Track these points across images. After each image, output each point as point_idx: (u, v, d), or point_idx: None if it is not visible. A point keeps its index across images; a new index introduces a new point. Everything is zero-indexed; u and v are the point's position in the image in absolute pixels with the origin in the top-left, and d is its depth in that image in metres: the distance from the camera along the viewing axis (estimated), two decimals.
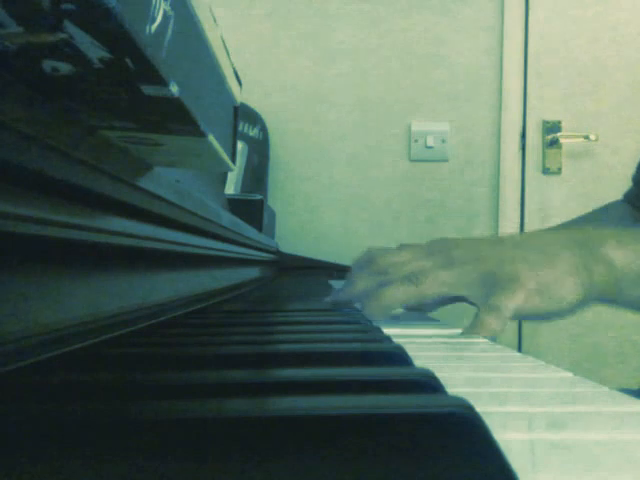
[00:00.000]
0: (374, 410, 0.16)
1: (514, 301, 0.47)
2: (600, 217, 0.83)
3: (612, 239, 0.51)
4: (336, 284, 1.14)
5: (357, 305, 0.56)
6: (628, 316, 1.83)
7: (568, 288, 0.48)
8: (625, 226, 0.55)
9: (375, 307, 0.50)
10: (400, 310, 0.59)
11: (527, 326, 1.91)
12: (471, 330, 0.47)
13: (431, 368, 0.23)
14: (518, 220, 1.92)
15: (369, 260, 0.56)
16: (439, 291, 0.50)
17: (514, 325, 1.91)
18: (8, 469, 0.14)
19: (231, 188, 1.56)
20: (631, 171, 0.89)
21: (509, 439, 0.18)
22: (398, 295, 0.50)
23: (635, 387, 0.85)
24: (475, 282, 0.49)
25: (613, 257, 0.50)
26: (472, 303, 0.51)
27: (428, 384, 0.21)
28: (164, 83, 0.22)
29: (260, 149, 1.82)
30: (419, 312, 0.59)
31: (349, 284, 0.56)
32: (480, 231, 1.91)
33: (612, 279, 0.49)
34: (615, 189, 0.94)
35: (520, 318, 0.49)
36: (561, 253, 0.49)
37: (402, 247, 0.56)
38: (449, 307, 0.59)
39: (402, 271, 0.51)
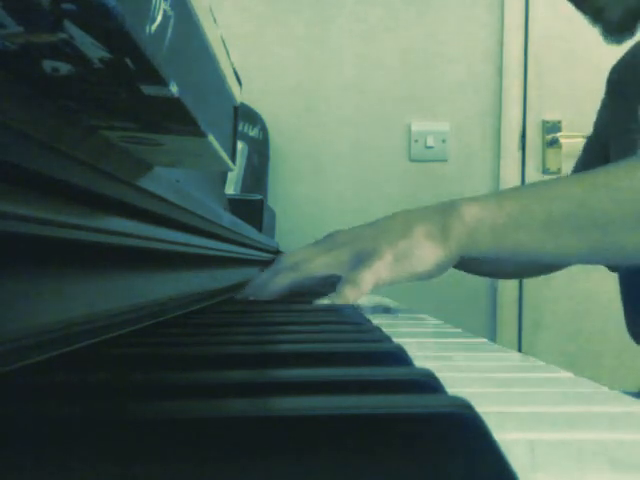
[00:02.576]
0: (374, 410, 0.16)
1: (372, 272, 0.54)
2: None
3: (468, 200, 0.57)
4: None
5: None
6: None
7: (425, 252, 0.55)
8: None
9: (260, 294, 0.59)
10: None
11: (527, 326, 1.91)
12: (330, 300, 0.54)
13: (431, 368, 0.23)
14: None
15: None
16: (314, 272, 0.57)
17: (514, 325, 1.91)
18: (8, 469, 0.14)
19: (231, 188, 1.56)
20: None
21: (509, 439, 0.18)
22: (280, 281, 0.58)
23: (635, 390, 0.85)
24: (345, 261, 0.57)
25: (465, 214, 0.55)
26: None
27: (428, 384, 0.21)
28: (164, 83, 0.22)
29: (260, 149, 1.82)
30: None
31: (252, 278, 0.65)
32: None
33: (466, 233, 0.55)
34: None
35: (386, 284, 0.56)
36: (416, 224, 0.56)
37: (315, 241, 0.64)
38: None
39: (289, 261, 0.60)
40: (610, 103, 0.95)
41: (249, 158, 1.74)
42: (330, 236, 0.61)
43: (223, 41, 0.33)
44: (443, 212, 0.56)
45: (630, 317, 0.98)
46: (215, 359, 0.28)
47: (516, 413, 0.22)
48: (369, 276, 0.54)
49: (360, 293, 0.54)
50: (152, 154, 0.32)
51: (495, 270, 0.94)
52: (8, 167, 0.21)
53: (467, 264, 0.73)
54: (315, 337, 0.35)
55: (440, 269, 0.56)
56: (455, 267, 0.63)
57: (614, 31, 0.78)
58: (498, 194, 0.60)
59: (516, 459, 0.15)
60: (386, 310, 0.67)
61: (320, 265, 0.57)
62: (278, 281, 0.58)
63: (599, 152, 0.94)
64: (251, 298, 0.61)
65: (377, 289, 0.56)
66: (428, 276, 0.56)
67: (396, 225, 0.57)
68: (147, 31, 0.19)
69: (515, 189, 0.61)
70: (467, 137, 1.94)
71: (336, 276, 0.57)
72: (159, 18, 0.20)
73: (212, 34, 0.29)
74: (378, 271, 0.54)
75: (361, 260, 0.55)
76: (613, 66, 1.00)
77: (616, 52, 1.90)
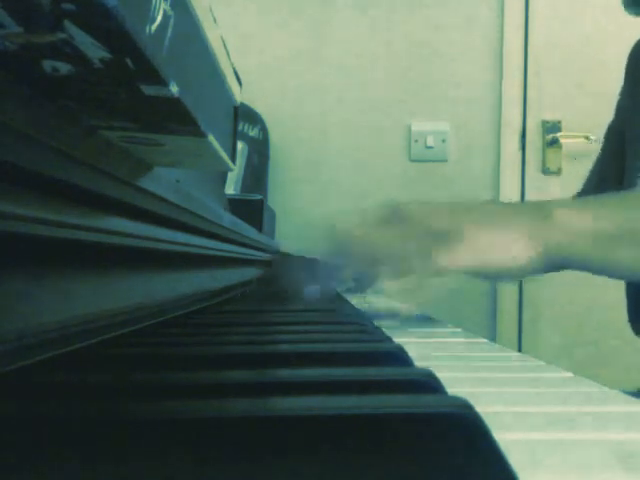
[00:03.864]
0: (374, 410, 0.16)
1: (456, 255, 0.49)
2: None
3: (563, 203, 0.53)
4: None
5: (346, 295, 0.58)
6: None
7: (516, 247, 0.49)
8: None
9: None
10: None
11: (527, 326, 1.91)
12: (396, 287, 0.50)
13: (431, 368, 0.23)
14: None
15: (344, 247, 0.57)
16: (425, 280, 0.51)
17: (514, 325, 1.91)
18: (8, 469, 0.14)
19: (231, 188, 1.56)
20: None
21: (509, 439, 0.18)
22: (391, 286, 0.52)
23: (635, 390, 0.85)
24: (426, 244, 0.50)
25: (563, 219, 0.50)
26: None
27: (428, 384, 0.21)
28: (164, 83, 0.22)
29: (260, 149, 1.82)
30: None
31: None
32: None
33: (562, 239, 0.50)
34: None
35: (467, 273, 0.50)
36: (511, 217, 0.51)
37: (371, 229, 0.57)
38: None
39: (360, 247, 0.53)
40: (628, 89, 0.93)
41: (249, 158, 1.74)
42: (395, 211, 0.54)
43: (223, 41, 0.33)
44: (536, 213, 0.51)
45: (632, 311, 0.96)
46: (215, 359, 0.28)
47: (516, 413, 0.22)
48: (454, 259, 0.48)
49: (431, 276, 0.49)
50: (152, 154, 0.32)
51: None
52: (8, 167, 0.21)
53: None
54: (315, 337, 0.35)
55: (529, 270, 0.51)
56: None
57: (636, 1, 0.77)
58: (591, 200, 0.55)
59: (516, 459, 0.15)
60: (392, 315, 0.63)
61: (422, 281, 0.50)
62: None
63: (621, 139, 0.91)
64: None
65: (453, 276, 0.50)
66: (517, 272, 0.50)
67: (488, 214, 0.51)
68: (147, 31, 0.19)
69: (605, 199, 0.55)
70: (467, 137, 1.94)
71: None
72: (159, 18, 0.20)
73: (212, 34, 0.29)
74: (461, 255, 0.49)
75: (443, 242, 0.49)
76: (630, 52, 0.98)
77: (616, 52, 1.90)
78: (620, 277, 0.56)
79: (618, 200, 0.55)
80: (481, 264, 0.49)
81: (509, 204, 0.54)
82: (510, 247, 0.49)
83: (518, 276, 0.52)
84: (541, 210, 0.51)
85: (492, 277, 0.51)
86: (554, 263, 0.52)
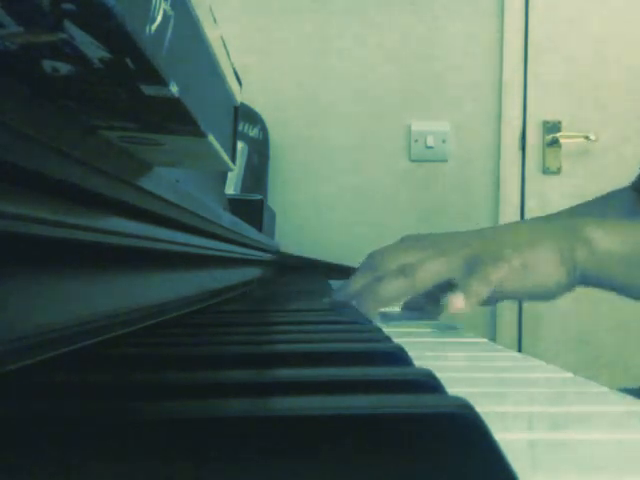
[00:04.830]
0: (374, 410, 0.16)
1: (494, 277, 0.48)
2: (600, 205, 0.82)
3: (596, 224, 0.52)
4: (336, 284, 1.14)
5: (354, 303, 0.57)
6: (628, 316, 1.82)
7: (552, 268, 0.49)
8: (624, 215, 0.56)
9: (369, 302, 0.51)
10: (397, 309, 0.59)
11: (527, 326, 1.91)
12: (448, 305, 0.49)
13: (431, 368, 0.23)
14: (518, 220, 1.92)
15: (367, 260, 0.57)
16: (430, 281, 0.51)
17: (514, 325, 1.91)
18: (8, 469, 0.14)
19: (231, 188, 1.56)
20: (632, 171, 0.88)
21: (509, 439, 0.18)
22: (391, 288, 0.51)
23: (635, 386, 0.85)
24: (461, 265, 0.50)
25: (595, 239, 0.50)
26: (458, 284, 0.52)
27: (428, 384, 0.21)
28: (164, 83, 0.22)
29: (260, 149, 1.82)
30: (420, 313, 0.59)
31: (346, 284, 0.57)
32: None
33: (594, 261, 0.50)
34: (615, 189, 0.94)
35: (504, 296, 0.50)
36: (545, 237, 0.51)
37: (402, 240, 0.58)
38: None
39: (393, 265, 0.52)
40: None
41: (249, 158, 1.74)
42: (430, 239, 0.55)
43: (223, 41, 0.33)
44: (567, 231, 0.51)
45: None
46: (215, 359, 0.28)
47: (516, 413, 0.22)
48: (491, 281, 0.48)
49: (474, 303, 0.48)
50: (152, 154, 0.32)
51: None
52: (8, 167, 0.21)
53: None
54: (315, 337, 0.35)
55: (559, 291, 0.51)
56: None
57: None
58: (626, 223, 0.55)
59: (516, 459, 0.15)
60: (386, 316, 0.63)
61: (432, 272, 0.51)
62: (385, 288, 0.51)
63: None
64: (357, 306, 0.54)
65: (490, 303, 0.50)
66: (547, 295, 0.51)
67: (522, 234, 0.52)
68: (147, 31, 0.19)
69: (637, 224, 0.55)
70: (467, 137, 1.94)
71: (451, 282, 0.51)
72: (159, 18, 0.20)
73: (212, 34, 0.29)
74: (496, 280, 0.48)
75: (479, 264, 0.49)
76: None
77: (617, 52, 1.89)
78: None
79: None
80: (518, 288, 0.49)
81: (540, 224, 0.54)
82: (545, 267, 0.49)
83: (551, 297, 0.52)
84: (574, 231, 0.51)
85: (524, 298, 0.51)
86: (582, 283, 0.52)
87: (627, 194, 0.86)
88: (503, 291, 0.49)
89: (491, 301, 0.51)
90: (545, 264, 0.49)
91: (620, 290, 0.54)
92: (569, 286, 0.51)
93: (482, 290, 0.48)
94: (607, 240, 0.51)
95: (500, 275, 0.48)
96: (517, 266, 0.49)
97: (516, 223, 0.56)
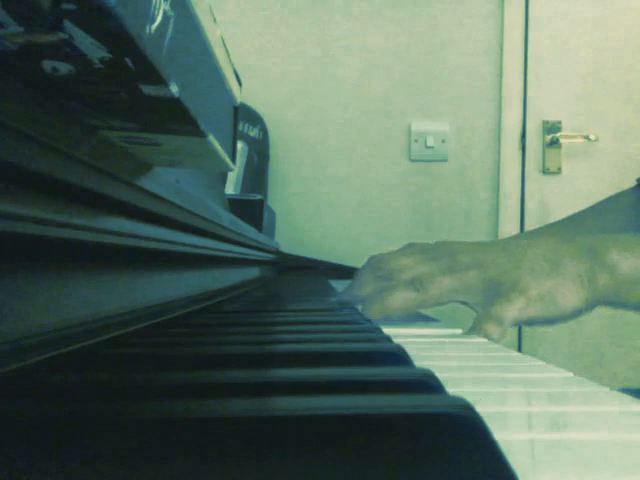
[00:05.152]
0: (374, 410, 0.16)
1: (515, 308, 0.48)
2: (605, 211, 0.81)
3: (617, 245, 0.51)
4: (336, 284, 1.14)
5: (358, 307, 0.57)
6: (628, 316, 1.83)
7: (571, 296, 0.49)
8: (628, 218, 0.55)
9: (376, 310, 0.51)
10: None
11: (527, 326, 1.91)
12: (469, 335, 0.48)
13: (431, 368, 0.23)
14: (518, 220, 1.92)
15: (375, 264, 0.57)
16: (441, 298, 0.50)
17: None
18: (8, 469, 0.14)
19: (231, 188, 1.56)
20: (632, 170, 0.88)
21: (509, 439, 0.18)
22: (400, 300, 0.50)
23: (635, 386, 0.85)
24: (478, 289, 0.50)
25: (617, 263, 0.50)
26: (473, 308, 0.52)
27: (428, 384, 0.21)
28: (164, 83, 0.22)
29: (260, 149, 1.82)
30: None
31: (353, 286, 0.57)
32: (480, 231, 1.91)
33: (615, 285, 0.50)
34: (615, 189, 0.95)
35: (522, 324, 0.50)
36: (565, 261, 0.50)
37: (408, 247, 0.57)
38: (448, 308, 0.59)
39: (405, 276, 0.52)
40: None
41: (249, 158, 1.74)
42: (443, 249, 0.54)
43: (223, 41, 0.33)
44: (589, 252, 0.51)
45: None
46: (215, 359, 0.28)
47: (516, 413, 0.22)
48: (512, 312, 0.48)
49: (504, 331, 0.48)
50: (152, 154, 0.32)
51: None
52: (8, 167, 0.21)
53: None
54: (315, 337, 0.35)
55: (575, 315, 0.51)
56: None
57: None
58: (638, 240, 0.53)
59: (516, 459, 0.15)
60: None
61: (447, 289, 0.50)
62: (394, 299, 0.51)
63: None
64: (363, 310, 0.53)
65: (517, 325, 0.50)
66: (562, 320, 0.51)
67: (538, 257, 0.51)
68: (147, 31, 0.19)
69: None
70: (467, 137, 1.94)
71: (462, 302, 0.52)
72: (159, 18, 0.20)
73: (212, 34, 0.29)
74: (521, 306, 0.48)
75: (497, 291, 0.49)
76: None
77: (617, 52, 1.90)
78: None
79: None
80: (538, 314, 0.49)
81: (566, 244, 0.52)
82: (563, 295, 0.49)
83: (566, 320, 0.51)
84: (595, 254, 0.50)
85: (539, 325, 0.51)
86: (610, 306, 0.52)
87: (630, 196, 0.84)
88: (520, 319, 0.49)
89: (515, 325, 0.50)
90: (564, 293, 0.49)
91: (634, 309, 0.53)
92: (585, 311, 0.51)
93: (504, 321, 0.48)
94: (629, 264, 0.50)
95: (520, 306, 0.48)
96: (536, 296, 0.48)
97: (531, 241, 0.54)
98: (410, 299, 0.50)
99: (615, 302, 0.51)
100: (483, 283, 0.50)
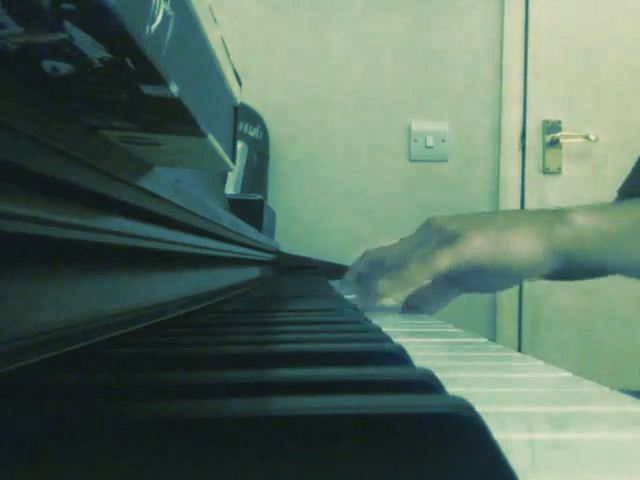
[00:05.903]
0: (374, 410, 0.16)
1: (451, 253, 0.51)
2: None
3: (579, 207, 0.55)
4: (336, 284, 1.14)
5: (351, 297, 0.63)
6: (629, 316, 1.83)
7: (526, 245, 0.52)
8: None
9: (366, 297, 0.57)
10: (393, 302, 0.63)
11: (527, 326, 1.91)
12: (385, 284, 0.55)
13: (431, 368, 0.23)
14: None
15: (364, 260, 0.64)
16: (422, 276, 0.54)
17: (514, 325, 1.91)
18: (8, 469, 0.14)
19: (231, 188, 1.56)
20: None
21: (509, 439, 0.18)
22: (387, 285, 0.55)
23: (635, 388, 0.85)
24: (431, 249, 0.54)
25: (577, 219, 0.53)
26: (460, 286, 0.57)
27: (428, 384, 0.21)
28: (164, 83, 0.22)
29: (260, 149, 1.82)
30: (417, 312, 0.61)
31: (345, 282, 0.64)
32: None
33: (576, 239, 0.52)
34: (615, 189, 0.95)
35: (480, 267, 0.52)
36: (526, 220, 0.54)
37: (398, 242, 0.62)
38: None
39: (387, 265, 0.57)
40: None
41: (249, 158, 1.74)
42: (426, 231, 0.58)
43: (223, 41, 0.33)
44: (550, 215, 0.54)
45: None
46: (215, 359, 0.28)
47: (516, 413, 0.22)
48: (445, 255, 0.51)
49: (429, 272, 0.51)
50: (152, 154, 0.32)
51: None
52: (8, 167, 0.21)
53: (566, 273, 0.65)
54: (315, 337, 0.35)
55: (535, 267, 0.52)
56: (551, 278, 0.60)
57: None
58: (605, 206, 0.57)
59: (516, 459, 0.15)
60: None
61: (418, 275, 0.54)
62: (381, 284, 0.56)
63: None
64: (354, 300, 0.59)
65: (455, 271, 0.52)
66: (521, 269, 0.52)
67: (496, 218, 0.55)
68: (147, 31, 0.19)
69: (618, 204, 0.59)
70: (467, 137, 1.94)
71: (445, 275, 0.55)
72: (159, 18, 0.20)
73: (212, 34, 0.29)
74: (459, 252, 0.51)
75: (443, 244, 0.52)
76: None
77: (617, 52, 1.89)
78: (634, 275, 0.57)
79: (633, 203, 0.57)
80: (483, 259, 0.51)
81: (527, 211, 0.57)
82: (515, 246, 0.51)
83: (526, 274, 0.53)
84: (556, 213, 0.53)
85: (496, 272, 0.53)
86: (565, 261, 0.53)
87: None
88: (465, 262, 0.51)
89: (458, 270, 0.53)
90: (519, 243, 0.51)
91: (610, 268, 0.55)
92: (549, 263, 0.52)
93: (438, 262, 0.51)
94: (586, 217, 0.53)
95: (459, 249, 0.51)
96: (479, 242, 0.51)
97: (500, 211, 0.59)
98: (395, 282, 0.55)
99: (575, 255, 0.53)
100: (437, 243, 0.54)
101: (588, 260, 0.53)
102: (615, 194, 0.91)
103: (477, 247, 0.51)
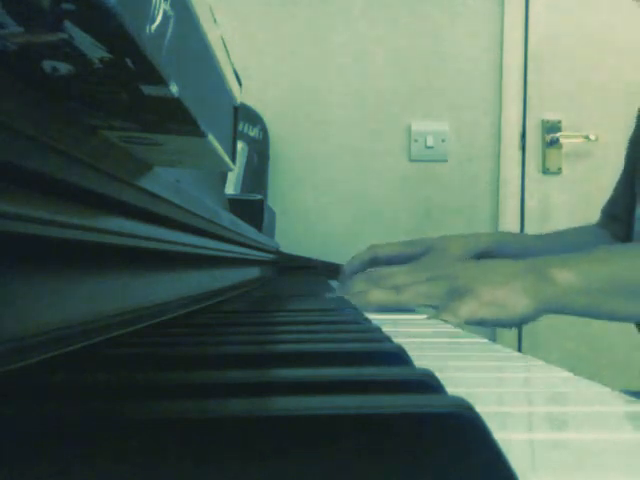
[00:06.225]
0: (374, 410, 0.16)
1: (467, 308, 0.59)
2: (572, 235, 0.96)
3: (558, 263, 0.63)
4: (335, 284, 1.14)
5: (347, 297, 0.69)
6: None
7: (519, 304, 0.60)
8: (590, 247, 0.68)
9: (362, 301, 0.64)
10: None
11: (527, 326, 1.91)
12: (430, 319, 0.60)
13: (430, 368, 0.23)
14: (518, 220, 1.92)
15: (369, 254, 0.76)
16: (414, 302, 0.64)
17: None
18: (8, 469, 0.14)
19: (231, 188, 1.56)
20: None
21: (509, 439, 0.18)
22: (382, 297, 0.65)
23: (636, 389, 0.86)
24: (441, 295, 0.63)
25: (558, 278, 0.61)
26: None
27: (428, 384, 0.21)
28: (164, 83, 0.22)
29: (260, 149, 1.82)
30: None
31: (346, 286, 0.73)
32: (480, 231, 1.91)
33: (557, 295, 0.61)
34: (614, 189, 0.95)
35: (477, 323, 0.61)
36: (516, 278, 0.62)
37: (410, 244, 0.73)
38: None
39: (389, 283, 0.67)
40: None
41: (249, 158, 1.74)
42: (435, 254, 0.73)
43: (223, 41, 0.33)
44: (535, 270, 0.62)
45: None
46: (215, 359, 0.28)
47: (516, 413, 0.22)
48: (465, 310, 0.59)
49: (457, 320, 0.59)
50: (152, 154, 0.32)
51: None
52: (8, 167, 0.21)
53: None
54: (315, 337, 0.35)
55: (524, 320, 0.62)
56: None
57: None
58: (584, 257, 0.65)
59: (516, 459, 0.15)
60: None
61: (419, 295, 0.64)
62: (378, 297, 0.65)
63: (630, 189, 0.98)
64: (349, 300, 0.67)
65: (466, 324, 0.60)
66: (512, 323, 0.62)
67: (497, 274, 0.63)
68: (147, 31, 0.19)
69: (600, 252, 0.67)
70: (467, 137, 1.94)
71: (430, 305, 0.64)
72: (159, 18, 0.20)
73: (212, 34, 0.29)
74: (472, 308, 0.60)
75: (457, 296, 0.61)
76: None
77: (617, 52, 1.89)
78: (619, 321, 0.68)
79: (608, 254, 0.66)
80: (487, 316, 0.60)
81: (515, 264, 0.65)
82: (512, 303, 0.60)
83: (515, 325, 0.63)
84: (538, 271, 0.62)
85: (492, 325, 0.62)
86: (554, 313, 0.62)
87: (595, 230, 0.99)
88: (473, 318, 0.60)
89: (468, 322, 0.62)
90: (513, 302, 0.60)
91: (594, 317, 0.64)
92: (535, 316, 0.62)
93: (462, 313, 0.59)
94: (566, 274, 0.61)
95: (473, 307, 0.60)
96: (486, 301, 0.60)
97: (496, 262, 0.70)
98: (390, 298, 0.64)
99: (561, 309, 0.62)
100: (448, 291, 0.62)
101: (574, 314, 0.63)
102: (599, 213, 0.99)
103: (482, 306, 0.60)
